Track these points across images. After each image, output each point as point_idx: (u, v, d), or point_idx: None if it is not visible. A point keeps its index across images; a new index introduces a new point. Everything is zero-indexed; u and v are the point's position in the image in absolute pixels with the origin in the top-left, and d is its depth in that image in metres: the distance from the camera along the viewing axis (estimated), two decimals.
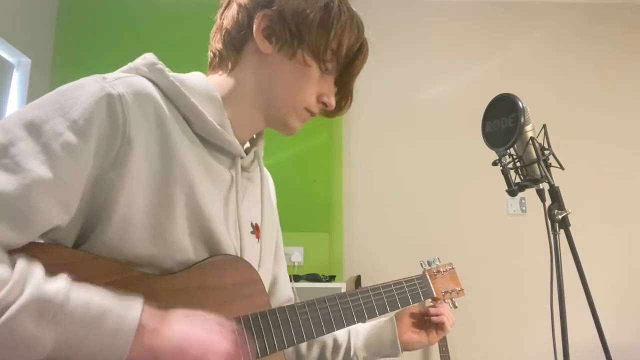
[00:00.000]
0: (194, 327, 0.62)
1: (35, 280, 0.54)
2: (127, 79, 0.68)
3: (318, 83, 0.82)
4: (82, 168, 0.62)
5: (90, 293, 0.56)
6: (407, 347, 1.01)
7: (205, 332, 0.63)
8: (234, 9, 0.81)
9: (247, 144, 0.90)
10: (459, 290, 1.11)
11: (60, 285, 0.54)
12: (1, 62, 2.62)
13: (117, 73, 0.71)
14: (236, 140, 0.79)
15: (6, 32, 2.53)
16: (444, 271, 1.11)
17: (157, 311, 0.60)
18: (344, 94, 0.89)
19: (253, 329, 0.75)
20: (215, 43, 0.84)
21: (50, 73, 2.85)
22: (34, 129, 0.60)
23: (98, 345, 0.55)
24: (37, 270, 0.55)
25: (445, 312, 1.02)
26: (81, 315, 0.54)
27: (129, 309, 0.57)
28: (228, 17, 0.82)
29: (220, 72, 0.83)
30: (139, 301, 0.59)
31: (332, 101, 0.85)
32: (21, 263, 0.55)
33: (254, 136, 0.91)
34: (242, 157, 0.82)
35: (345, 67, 0.85)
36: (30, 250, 0.59)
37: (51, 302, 0.53)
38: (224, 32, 0.82)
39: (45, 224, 0.60)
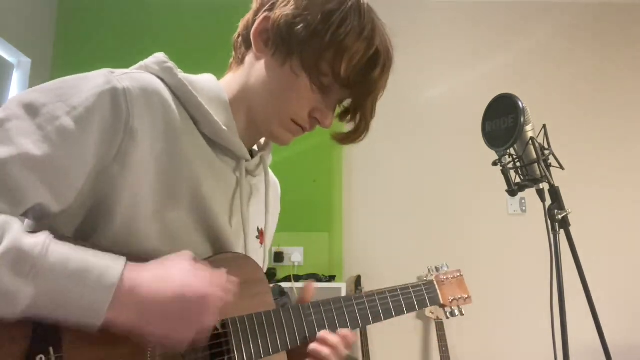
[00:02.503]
0: (172, 279, 0.61)
1: (14, 232, 0.53)
2: (135, 74, 0.69)
3: (310, 96, 0.76)
4: (78, 156, 0.62)
5: (70, 248, 0.56)
6: None
7: (182, 281, 0.61)
8: (249, 12, 0.82)
9: (256, 148, 0.90)
10: (467, 298, 1.09)
11: (39, 239, 0.54)
12: (1, 62, 2.62)
13: (127, 69, 0.72)
14: (241, 142, 0.79)
15: (6, 32, 2.53)
16: (452, 277, 1.09)
17: (139, 268, 0.60)
18: (357, 117, 0.79)
19: (257, 328, 0.75)
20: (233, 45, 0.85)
21: (50, 73, 2.86)
22: (32, 109, 0.60)
23: (76, 300, 0.54)
24: (16, 224, 0.55)
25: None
26: (60, 269, 0.54)
27: (110, 265, 0.57)
28: (243, 20, 0.82)
29: (230, 73, 0.83)
30: (122, 258, 0.58)
31: (326, 120, 0.78)
32: (1, 217, 0.54)
33: (262, 142, 0.90)
34: (247, 160, 0.82)
35: (359, 85, 0.76)
36: None
37: (29, 254, 0.52)
38: (237, 34, 0.83)
39: (26, 199, 0.59)
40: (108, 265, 0.57)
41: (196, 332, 0.62)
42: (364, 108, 0.78)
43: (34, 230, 0.64)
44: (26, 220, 0.65)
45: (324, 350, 0.77)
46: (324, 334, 0.79)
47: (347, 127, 0.81)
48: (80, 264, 0.55)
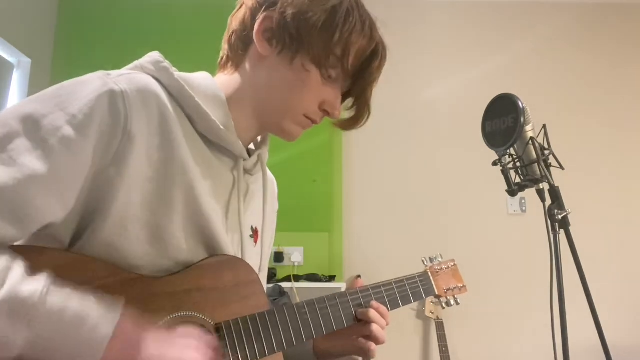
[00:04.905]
0: (171, 345, 0.61)
1: (14, 279, 0.53)
2: (131, 75, 0.68)
3: (320, 90, 0.78)
4: (80, 163, 0.61)
5: (67, 298, 0.55)
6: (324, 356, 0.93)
7: (180, 349, 0.61)
8: (242, 10, 0.81)
9: (252, 147, 0.90)
10: (462, 287, 1.10)
11: (37, 286, 0.54)
12: (1, 62, 2.62)
13: (122, 70, 0.71)
14: (239, 140, 0.79)
15: (6, 32, 2.53)
16: (446, 268, 1.10)
17: (135, 323, 0.59)
18: (360, 104, 0.84)
19: (252, 330, 0.74)
20: (224, 43, 0.84)
21: (50, 73, 2.85)
22: (32, 123, 0.60)
23: (69, 353, 0.54)
24: (18, 268, 0.54)
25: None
26: (55, 320, 0.53)
27: (106, 318, 0.56)
28: (237, 18, 0.82)
29: (225, 72, 0.83)
30: (117, 310, 0.57)
31: (335, 110, 0.81)
32: (2, 261, 0.54)
33: (259, 140, 0.90)
34: (244, 159, 0.82)
35: (360, 75, 0.81)
36: (24, 253, 0.58)
37: (25, 303, 0.52)
38: (231, 33, 0.82)
39: (41, 218, 0.59)
40: (103, 316, 0.56)
41: None
42: (366, 95, 0.83)
43: (36, 237, 0.63)
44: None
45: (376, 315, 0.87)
46: (375, 304, 0.89)
47: (347, 113, 0.86)
48: (75, 314, 0.54)
